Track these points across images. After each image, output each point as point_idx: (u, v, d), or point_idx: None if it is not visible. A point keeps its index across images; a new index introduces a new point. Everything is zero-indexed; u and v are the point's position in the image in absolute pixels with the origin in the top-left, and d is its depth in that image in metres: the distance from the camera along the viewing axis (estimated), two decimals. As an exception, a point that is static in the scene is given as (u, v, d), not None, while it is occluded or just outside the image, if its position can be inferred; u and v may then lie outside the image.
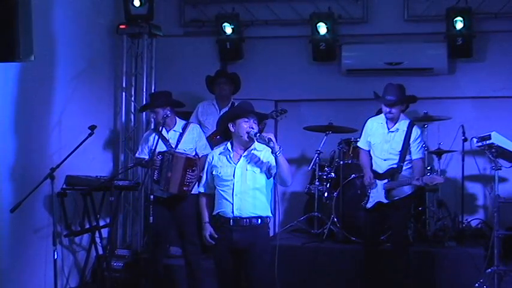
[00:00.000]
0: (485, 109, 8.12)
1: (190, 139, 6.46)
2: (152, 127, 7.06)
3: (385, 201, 6.26)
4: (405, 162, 6.26)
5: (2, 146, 6.03)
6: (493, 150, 5.90)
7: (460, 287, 6.58)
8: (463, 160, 7.61)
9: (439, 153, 7.57)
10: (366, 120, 6.59)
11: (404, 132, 6.27)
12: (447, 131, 7.65)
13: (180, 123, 6.54)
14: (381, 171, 6.35)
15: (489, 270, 6.02)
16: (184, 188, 6.26)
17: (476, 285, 6.04)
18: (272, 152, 4.91)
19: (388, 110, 6.28)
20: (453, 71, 8.22)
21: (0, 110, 6.02)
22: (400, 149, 6.27)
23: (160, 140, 6.39)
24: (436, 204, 7.40)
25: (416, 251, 6.87)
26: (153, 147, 6.31)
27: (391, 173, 6.27)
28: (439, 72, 8.14)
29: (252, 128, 5.03)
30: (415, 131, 6.29)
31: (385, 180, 6.28)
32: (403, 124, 6.32)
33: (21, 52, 4.60)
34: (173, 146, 6.41)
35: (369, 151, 6.49)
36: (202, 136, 6.55)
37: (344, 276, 6.81)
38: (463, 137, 7.50)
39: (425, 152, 6.45)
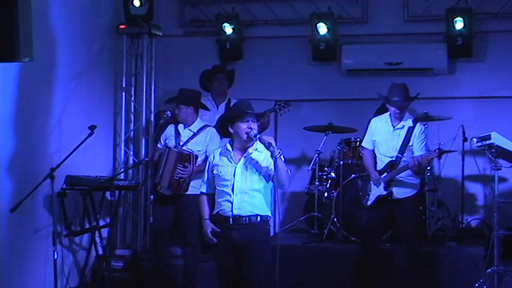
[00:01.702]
0: (485, 109, 8.11)
1: (201, 141, 6.46)
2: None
3: (384, 192, 6.31)
4: (404, 158, 6.29)
5: (2, 146, 6.03)
6: (493, 150, 5.90)
7: (460, 287, 6.58)
8: (463, 160, 7.62)
9: (439, 153, 7.56)
10: (370, 120, 6.63)
11: (409, 127, 6.35)
12: (447, 131, 7.65)
13: (199, 124, 6.56)
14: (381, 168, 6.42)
15: (489, 270, 6.02)
16: (174, 183, 6.24)
17: (476, 285, 6.04)
18: (271, 156, 4.92)
19: (398, 110, 6.33)
20: (453, 71, 8.22)
21: (0, 110, 6.02)
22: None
23: (174, 135, 6.51)
24: (436, 204, 7.40)
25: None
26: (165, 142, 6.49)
27: (390, 166, 6.34)
28: (439, 72, 8.14)
29: (251, 128, 5.04)
30: (419, 127, 6.37)
31: (384, 174, 6.35)
32: (408, 121, 6.40)
33: (21, 52, 4.60)
34: (181, 144, 6.43)
35: (373, 150, 6.53)
36: (215, 140, 6.42)
37: (344, 276, 6.80)
38: (463, 137, 7.51)
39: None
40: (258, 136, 5.00)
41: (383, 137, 6.44)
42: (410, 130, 6.33)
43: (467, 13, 7.79)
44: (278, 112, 7.24)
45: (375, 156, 6.52)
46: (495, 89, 8.02)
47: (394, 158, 6.33)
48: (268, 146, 4.90)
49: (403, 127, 6.38)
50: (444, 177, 7.91)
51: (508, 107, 8.03)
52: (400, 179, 6.30)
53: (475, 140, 6.08)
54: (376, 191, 6.38)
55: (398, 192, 6.33)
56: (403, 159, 6.30)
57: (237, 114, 5.13)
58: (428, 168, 7.42)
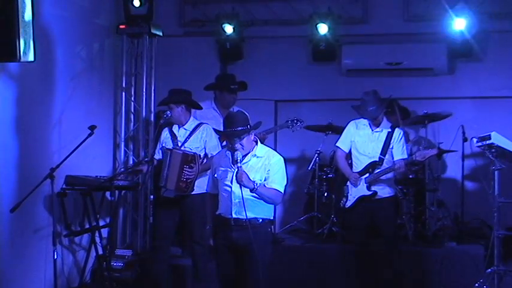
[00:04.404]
0: (485, 109, 8.12)
1: (198, 138, 6.45)
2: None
3: (368, 192, 6.33)
4: (386, 160, 6.35)
5: (2, 146, 6.03)
6: (493, 150, 5.90)
7: (460, 287, 6.59)
8: (463, 160, 7.61)
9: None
10: (348, 122, 6.62)
11: (388, 132, 6.41)
12: (447, 131, 7.66)
13: (193, 122, 6.55)
14: (359, 169, 6.43)
15: (489, 270, 6.01)
16: (182, 185, 6.24)
17: (476, 285, 6.04)
18: (250, 191, 4.94)
19: (373, 119, 6.42)
20: (453, 71, 8.22)
21: (0, 110, 6.02)
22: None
23: (170, 137, 6.49)
24: (436, 204, 7.40)
25: (416, 251, 6.89)
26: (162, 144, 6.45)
27: (372, 167, 6.37)
28: (439, 72, 8.14)
29: (235, 149, 5.01)
30: (398, 132, 6.43)
31: (366, 175, 6.37)
32: (386, 125, 6.46)
33: (21, 52, 4.61)
34: (179, 144, 6.43)
35: (346, 153, 6.55)
36: (212, 137, 6.41)
37: (344, 277, 6.81)
38: (463, 137, 7.50)
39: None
40: (239, 166, 4.96)
41: (363, 138, 6.47)
42: (390, 134, 6.38)
43: (466, 13, 7.79)
44: (290, 128, 7.12)
45: (347, 159, 6.57)
46: (495, 89, 8.02)
47: (376, 159, 6.36)
48: (242, 185, 4.93)
49: (382, 130, 6.42)
50: (444, 177, 7.91)
51: (508, 107, 8.04)
52: (383, 178, 6.33)
53: (475, 140, 6.08)
54: (357, 191, 6.39)
55: (381, 192, 6.36)
56: (385, 160, 6.34)
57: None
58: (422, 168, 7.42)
